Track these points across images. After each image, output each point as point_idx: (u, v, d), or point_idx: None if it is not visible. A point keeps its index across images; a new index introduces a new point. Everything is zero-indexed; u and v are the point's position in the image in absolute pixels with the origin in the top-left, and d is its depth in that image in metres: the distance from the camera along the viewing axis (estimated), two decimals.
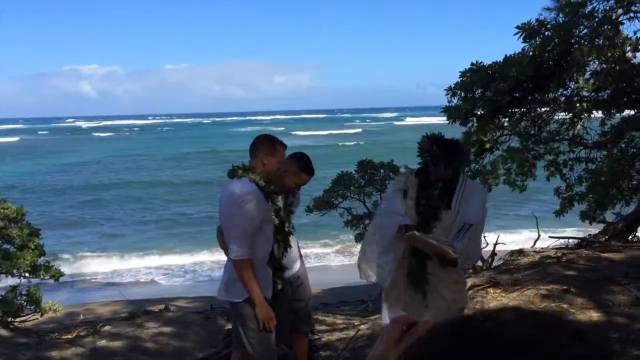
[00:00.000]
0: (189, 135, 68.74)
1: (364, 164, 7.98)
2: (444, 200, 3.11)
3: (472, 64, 6.94)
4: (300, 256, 3.67)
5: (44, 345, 5.62)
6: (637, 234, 7.51)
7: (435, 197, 3.12)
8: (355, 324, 5.62)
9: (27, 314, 6.57)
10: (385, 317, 3.40)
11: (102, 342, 5.48)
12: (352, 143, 44.55)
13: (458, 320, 0.60)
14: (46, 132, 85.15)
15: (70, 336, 6.06)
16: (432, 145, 3.06)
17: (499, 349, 0.53)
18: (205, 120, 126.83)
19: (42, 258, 6.65)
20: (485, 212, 3.13)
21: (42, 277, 6.43)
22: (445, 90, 7.03)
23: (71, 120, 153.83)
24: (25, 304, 6.39)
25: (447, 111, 7.01)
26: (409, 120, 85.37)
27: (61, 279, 6.90)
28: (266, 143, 3.15)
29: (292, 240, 3.41)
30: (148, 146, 50.09)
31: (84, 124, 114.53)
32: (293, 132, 57.16)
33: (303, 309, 3.58)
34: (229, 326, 5.72)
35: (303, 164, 3.31)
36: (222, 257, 3.32)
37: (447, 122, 6.97)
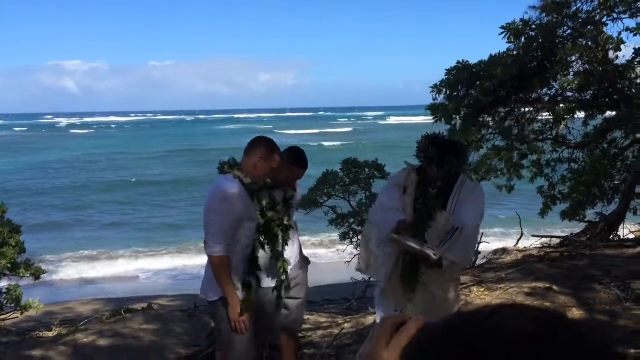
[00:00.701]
0: (172, 133, 67.95)
1: (348, 162, 7.98)
2: (441, 200, 3.10)
3: (458, 62, 6.98)
4: (302, 255, 3.59)
5: (25, 344, 5.54)
6: (618, 233, 7.61)
7: (433, 197, 3.10)
8: (340, 322, 5.62)
9: (7, 312, 6.47)
10: (379, 312, 3.40)
11: (84, 341, 5.41)
12: (338, 143, 43.99)
13: (452, 318, 0.59)
14: (25, 128, 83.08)
15: (51, 334, 5.97)
16: (429, 146, 3.03)
17: (495, 345, 0.52)
18: (189, 118, 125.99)
19: (22, 256, 6.55)
20: (481, 216, 3.10)
21: (22, 275, 6.33)
22: (430, 87, 7.07)
23: (50, 116, 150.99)
24: (5, 301, 6.29)
25: (433, 109, 7.05)
26: (394, 120, 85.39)
27: (41, 278, 6.80)
28: (265, 147, 3.07)
29: (293, 236, 3.35)
30: (129, 144, 49.37)
31: (65, 121, 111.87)
32: (279, 131, 56.47)
33: (297, 308, 3.51)
34: (213, 324, 5.69)
35: (294, 157, 3.26)
36: (204, 256, 3.26)
37: (433, 120, 7.00)
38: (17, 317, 6.54)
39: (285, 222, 3.20)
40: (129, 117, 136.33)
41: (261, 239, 3.12)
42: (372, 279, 4.94)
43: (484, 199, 3.16)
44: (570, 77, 6.72)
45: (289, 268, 3.30)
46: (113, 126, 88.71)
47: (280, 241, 3.18)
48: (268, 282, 3.23)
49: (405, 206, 3.14)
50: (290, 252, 3.30)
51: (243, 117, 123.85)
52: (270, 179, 3.16)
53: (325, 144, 42.64)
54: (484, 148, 7.40)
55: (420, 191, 3.12)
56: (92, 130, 75.80)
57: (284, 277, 3.20)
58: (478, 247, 7.70)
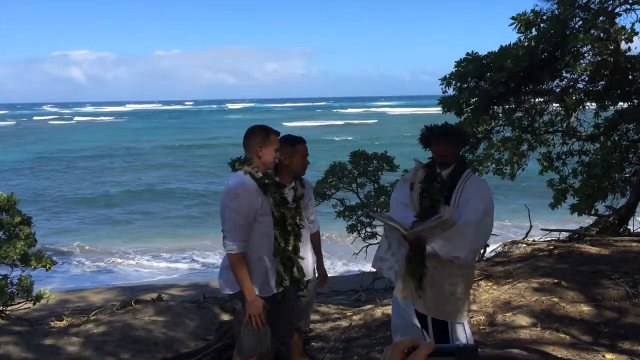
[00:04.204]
0: (177, 123, 66.78)
1: (357, 154, 7.97)
2: (444, 194, 3.17)
3: (468, 53, 6.93)
4: (312, 252, 3.57)
5: (37, 333, 5.61)
6: (628, 226, 7.55)
7: (436, 191, 3.18)
8: (348, 314, 5.64)
9: (19, 302, 6.54)
10: (394, 311, 3.46)
11: (95, 331, 5.47)
12: (344, 138, 41.55)
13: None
14: (24, 118, 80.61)
15: (62, 324, 6.05)
16: (427, 131, 3.27)
17: None
18: (195, 108, 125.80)
19: (34, 247, 6.59)
20: (483, 212, 3.09)
21: (33, 266, 6.38)
22: (440, 79, 7.04)
23: (51, 105, 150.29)
24: (17, 292, 6.35)
25: (443, 102, 7.04)
26: (408, 110, 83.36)
27: (53, 267, 6.85)
28: (259, 133, 3.09)
29: (305, 234, 3.33)
30: (127, 134, 48.48)
31: (64, 111, 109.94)
32: (285, 123, 53.59)
33: (306, 306, 3.51)
34: (223, 317, 5.73)
35: (289, 139, 3.26)
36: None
37: (442, 112, 7.00)
38: (29, 307, 6.61)
39: (297, 222, 3.21)
40: (124, 107, 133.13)
41: (277, 234, 3.12)
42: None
43: (490, 194, 3.18)
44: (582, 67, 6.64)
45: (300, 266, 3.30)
46: (106, 118, 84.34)
47: (292, 241, 3.18)
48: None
49: (412, 202, 3.25)
50: (302, 251, 3.29)
51: (250, 106, 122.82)
52: (287, 172, 3.19)
53: (337, 139, 40.28)
54: (493, 140, 7.35)
55: (426, 185, 3.23)
56: (90, 120, 74.28)
57: (287, 282, 3.20)
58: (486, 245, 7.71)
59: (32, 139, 45.51)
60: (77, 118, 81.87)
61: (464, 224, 3.03)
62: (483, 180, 3.38)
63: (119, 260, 12.96)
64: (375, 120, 62.36)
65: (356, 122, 62.19)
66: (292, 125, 51.34)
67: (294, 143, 3.25)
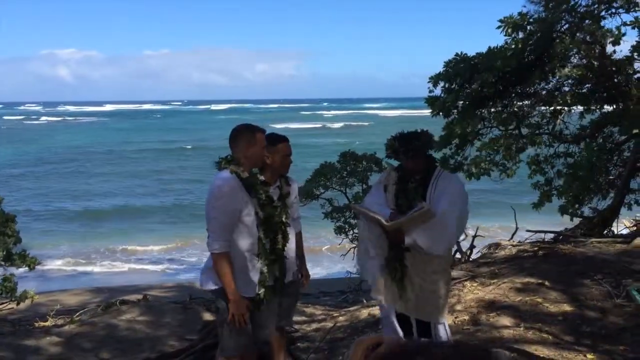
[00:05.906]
0: (161, 124, 65.88)
1: (346, 155, 7.99)
2: (419, 193, 3.23)
3: (456, 54, 6.94)
4: (300, 250, 3.57)
5: (20, 334, 5.56)
6: (612, 228, 7.61)
7: (412, 191, 3.24)
8: (334, 315, 5.64)
9: (2, 302, 6.48)
10: (381, 313, 3.50)
11: (79, 331, 5.43)
12: (345, 140, 39.60)
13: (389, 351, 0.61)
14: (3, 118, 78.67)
15: (46, 325, 6.00)
16: (394, 142, 3.25)
17: None
18: (184, 108, 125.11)
19: (17, 246, 6.53)
20: (458, 204, 3.17)
21: (17, 266, 6.32)
22: (428, 79, 7.04)
23: (34, 104, 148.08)
24: (0, 292, 6.29)
25: (431, 102, 7.03)
26: (397, 112, 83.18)
27: (35, 268, 6.79)
28: (245, 133, 3.08)
29: (290, 233, 3.32)
30: (109, 135, 47.74)
31: (46, 109, 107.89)
32: (273, 125, 52.13)
33: (289, 305, 3.51)
34: (207, 317, 5.71)
35: (272, 138, 3.25)
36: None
37: (431, 114, 6.99)
38: (12, 308, 6.55)
39: (283, 219, 3.20)
40: (104, 106, 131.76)
41: (262, 235, 3.11)
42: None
43: (463, 187, 3.29)
44: (568, 70, 6.67)
45: (285, 265, 3.29)
46: (90, 118, 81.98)
47: (280, 239, 3.18)
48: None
49: (388, 202, 3.29)
50: (287, 250, 3.29)
51: (239, 106, 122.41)
52: (271, 171, 3.19)
53: (332, 141, 39.40)
54: (481, 141, 7.36)
55: (400, 186, 3.29)
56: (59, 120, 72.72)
57: (270, 281, 3.19)
58: (473, 240, 7.74)
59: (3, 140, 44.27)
60: (58, 118, 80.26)
61: (442, 215, 3.08)
62: (455, 174, 3.52)
63: (99, 263, 12.81)
64: (372, 122, 61.81)
65: (354, 123, 61.72)
66: (282, 127, 50.58)
67: (276, 142, 3.24)
